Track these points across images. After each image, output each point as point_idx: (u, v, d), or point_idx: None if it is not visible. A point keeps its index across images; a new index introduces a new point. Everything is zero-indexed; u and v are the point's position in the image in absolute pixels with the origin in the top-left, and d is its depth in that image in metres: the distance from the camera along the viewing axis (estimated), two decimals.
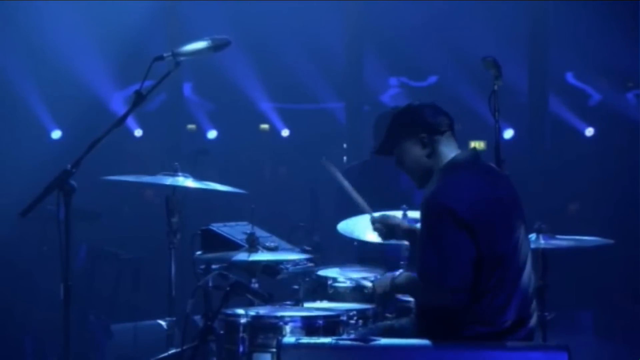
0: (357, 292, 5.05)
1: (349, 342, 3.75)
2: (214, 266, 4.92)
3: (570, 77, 12.12)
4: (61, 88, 10.71)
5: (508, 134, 11.50)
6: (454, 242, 3.82)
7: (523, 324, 3.96)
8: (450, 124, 4.13)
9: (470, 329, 3.86)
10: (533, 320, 4.03)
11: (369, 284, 4.94)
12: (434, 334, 3.87)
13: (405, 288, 4.22)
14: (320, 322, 4.54)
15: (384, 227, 4.59)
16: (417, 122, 4.10)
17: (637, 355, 6.94)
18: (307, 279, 5.15)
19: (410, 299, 4.53)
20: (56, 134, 11.57)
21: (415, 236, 4.34)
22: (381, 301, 4.68)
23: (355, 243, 5.87)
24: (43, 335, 7.68)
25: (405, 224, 4.57)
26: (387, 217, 4.65)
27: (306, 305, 4.95)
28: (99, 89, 11.29)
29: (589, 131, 11.82)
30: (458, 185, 3.93)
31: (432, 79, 12.41)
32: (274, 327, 4.49)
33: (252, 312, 4.58)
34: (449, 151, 4.07)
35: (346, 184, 5.05)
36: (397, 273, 4.33)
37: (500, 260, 3.86)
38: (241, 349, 4.50)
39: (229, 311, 4.64)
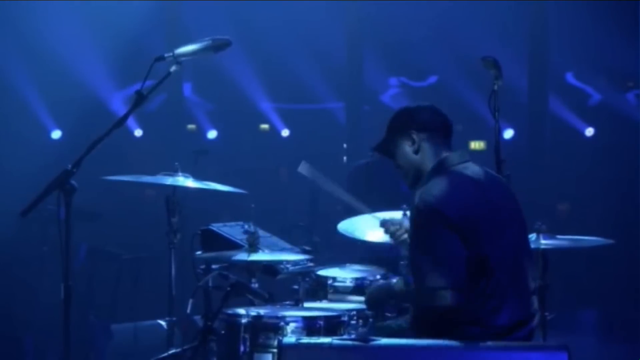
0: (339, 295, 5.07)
1: (349, 342, 3.75)
2: (214, 266, 4.92)
3: (570, 77, 12.13)
4: (61, 88, 10.72)
5: (508, 134, 11.51)
6: (445, 241, 3.83)
7: (521, 326, 3.95)
8: (444, 125, 4.15)
9: (466, 331, 3.85)
10: (534, 322, 4.02)
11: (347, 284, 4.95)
12: (429, 336, 3.86)
13: (401, 296, 4.19)
14: (321, 322, 4.53)
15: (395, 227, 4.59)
16: (408, 119, 4.16)
17: (637, 355, 6.94)
18: (307, 279, 5.15)
19: None
20: (56, 134, 11.58)
21: None
22: (376, 310, 4.71)
23: (360, 242, 5.87)
24: (43, 335, 7.68)
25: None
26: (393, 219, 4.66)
27: (306, 305, 4.95)
28: (99, 89, 11.31)
29: (589, 131, 11.83)
30: (445, 186, 3.94)
31: (432, 79, 12.42)
32: (274, 327, 4.49)
33: (252, 312, 4.58)
34: (439, 151, 4.09)
35: (331, 186, 5.02)
36: (394, 281, 4.32)
37: (487, 262, 3.85)
38: (242, 349, 4.49)
39: (230, 311, 4.64)
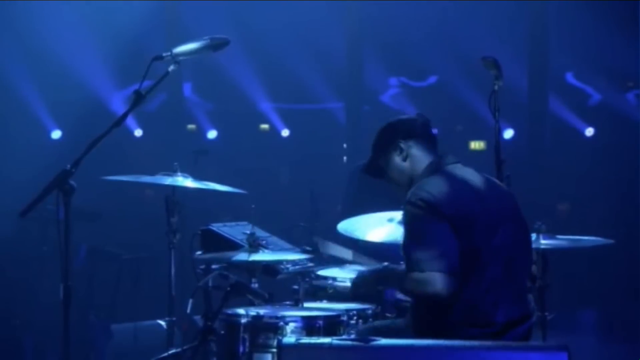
0: (339, 295, 5.05)
1: (349, 342, 3.75)
2: (214, 266, 4.92)
3: (570, 77, 12.13)
4: (61, 88, 10.72)
5: (508, 134, 11.51)
6: (437, 231, 3.88)
7: (522, 322, 3.97)
8: (427, 130, 4.24)
9: (465, 332, 3.86)
10: (532, 318, 4.04)
11: (347, 284, 4.95)
12: (426, 335, 3.88)
13: (392, 280, 4.22)
14: (321, 322, 4.53)
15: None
16: (392, 132, 4.24)
17: (637, 354, 6.94)
18: (306, 279, 5.15)
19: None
20: (56, 134, 11.58)
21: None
22: (369, 297, 4.72)
23: (361, 243, 5.87)
24: (43, 335, 7.68)
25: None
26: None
27: (306, 305, 4.95)
28: (99, 89, 11.31)
29: (589, 131, 11.83)
30: (438, 183, 4.00)
31: (432, 79, 12.41)
32: (274, 327, 4.49)
33: (252, 312, 4.58)
34: (427, 154, 4.17)
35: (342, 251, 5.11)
36: (385, 264, 4.34)
37: (480, 256, 3.88)
38: (241, 349, 4.49)
39: (230, 311, 4.64)
